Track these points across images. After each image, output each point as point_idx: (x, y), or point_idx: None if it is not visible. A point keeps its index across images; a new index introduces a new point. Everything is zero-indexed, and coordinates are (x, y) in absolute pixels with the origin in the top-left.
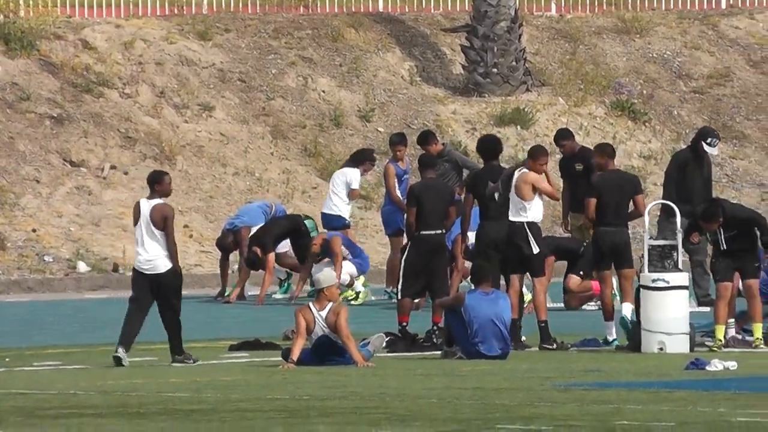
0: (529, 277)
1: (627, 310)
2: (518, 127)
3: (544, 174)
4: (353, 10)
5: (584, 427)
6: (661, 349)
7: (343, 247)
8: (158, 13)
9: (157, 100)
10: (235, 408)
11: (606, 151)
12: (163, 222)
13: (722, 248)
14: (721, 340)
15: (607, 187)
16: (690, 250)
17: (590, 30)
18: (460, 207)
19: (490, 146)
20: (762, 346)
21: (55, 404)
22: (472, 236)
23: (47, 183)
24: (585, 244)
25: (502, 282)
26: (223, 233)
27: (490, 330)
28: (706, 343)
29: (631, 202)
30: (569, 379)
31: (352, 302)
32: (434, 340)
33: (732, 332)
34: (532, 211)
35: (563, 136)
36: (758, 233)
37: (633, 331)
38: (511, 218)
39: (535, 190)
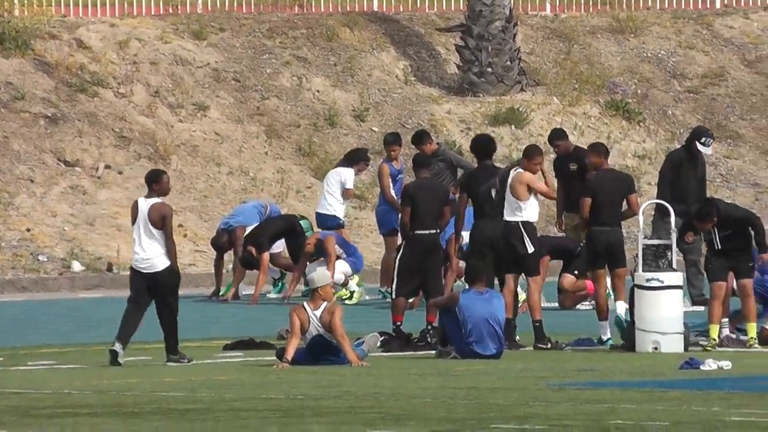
0: (524, 277)
1: (621, 308)
2: (513, 126)
3: (541, 173)
4: (348, 9)
5: (578, 426)
6: (655, 348)
7: (337, 247)
8: (153, 13)
9: (152, 100)
10: (229, 407)
11: (600, 150)
12: (161, 221)
13: (716, 248)
14: (715, 340)
15: (602, 187)
16: (684, 250)
17: (585, 29)
18: (454, 206)
19: (484, 146)
20: (756, 345)
21: (49, 403)
22: (466, 236)
23: (42, 182)
24: (582, 243)
25: (495, 282)
26: (218, 233)
27: (484, 329)
28: (701, 342)
29: (625, 202)
30: (563, 379)
31: (347, 302)
32: (428, 339)
33: (726, 332)
34: (527, 210)
35: (557, 136)
36: (752, 233)
37: (627, 331)
38: (506, 218)
39: (531, 190)
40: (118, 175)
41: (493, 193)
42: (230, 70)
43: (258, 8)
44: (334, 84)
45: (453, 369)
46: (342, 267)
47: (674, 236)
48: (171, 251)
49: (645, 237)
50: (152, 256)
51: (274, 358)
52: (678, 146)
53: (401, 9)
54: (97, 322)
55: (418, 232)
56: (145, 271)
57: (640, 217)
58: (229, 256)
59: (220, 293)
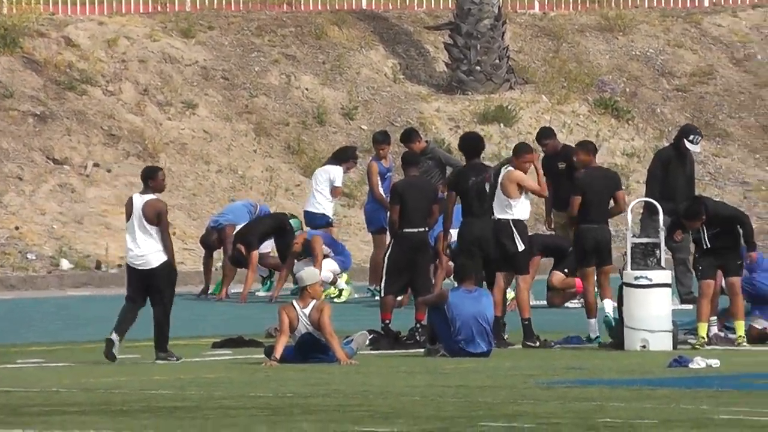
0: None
1: (608, 307)
2: (501, 124)
3: (534, 170)
4: (336, 7)
5: (567, 424)
6: (644, 346)
7: (324, 246)
8: (141, 11)
9: (141, 98)
10: (218, 405)
11: (589, 148)
12: (156, 218)
13: (705, 246)
14: (703, 338)
15: (591, 185)
16: (673, 248)
17: (573, 28)
18: (443, 205)
19: (472, 144)
20: (744, 343)
21: (38, 402)
22: (454, 234)
23: (30, 180)
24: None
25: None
26: (207, 231)
27: (473, 328)
28: (689, 340)
29: (612, 199)
30: (552, 377)
31: (336, 300)
32: (417, 337)
33: (715, 330)
34: (517, 208)
35: (545, 135)
36: (741, 231)
37: (616, 329)
38: (497, 215)
39: (521, 188)
40: (107, 173)
41: (487, 187)
42: (219, 68)
43: (246, 6)
44: (323, 82)
45: (442, 367)
46: (330, 265)
47: (663, 234)
48: (168, 247)
49: (633, 235)
50: (147, 252)
51: (263, 356)
52: (667, 144)
53: (390, 7)
54: (85, 320)
55: (407, 230)
56: (139, 268)
57: (629, 216)
58: (218, 255)
59: (209, 291)
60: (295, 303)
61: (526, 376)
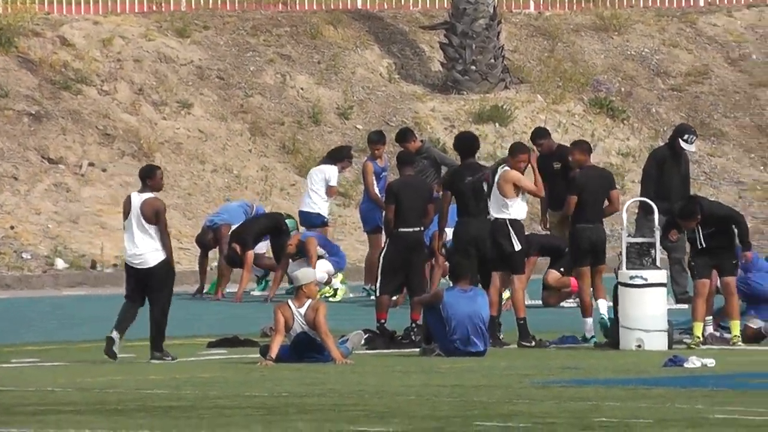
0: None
1: (603, 307)
2: (497, 124)
3: (531, 169)
4: (332, 7)
5: (562, 424)
6: (639, 346)
7: (319, 247)
8: (137, 10)
9: (136, 97)
10: (213, 405)
11: (584, 147)
12: (154, 216)
13: (700, 246)
14: (699, 338)
15: (587, 184)
16: (668, 248)
17: (569, 27)
18: (438, 204)
19: (467, 143)
20: (739, 343)
21: (33, 401)
22: (449, 233)
23: (25, 180)
24: None
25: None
26: (203, 230)
27: (468, 327)
28: (684, 340)
29: (606, 199)
30: (548, 377)
31: (331, 299)
32: (413, 337)
33: (710, 329)
34: (514, 208)
35: (540, 135)
36: (736, 231)
37: (611, 329)
38: (493, 215)
39: (518, 188)
40: (102, 172)
41: (485, 186)
42: (214, 68)
43: (242, 6)
44: (318, 82)
45: (437, 367)
46: (325, 266)
47: (658, 234)
48: (166, 246)
49: (629, 235)
50: (144, 251)
51: (258, 355)
52: (662, 144)
53: (385, 6)
54: (80, 319)
55: (402, 229)
56: (137, 267)
57: (624, 215)
58: (213, 254)
59: (205, 291)
60: (290, 302)
61: (521, 375)
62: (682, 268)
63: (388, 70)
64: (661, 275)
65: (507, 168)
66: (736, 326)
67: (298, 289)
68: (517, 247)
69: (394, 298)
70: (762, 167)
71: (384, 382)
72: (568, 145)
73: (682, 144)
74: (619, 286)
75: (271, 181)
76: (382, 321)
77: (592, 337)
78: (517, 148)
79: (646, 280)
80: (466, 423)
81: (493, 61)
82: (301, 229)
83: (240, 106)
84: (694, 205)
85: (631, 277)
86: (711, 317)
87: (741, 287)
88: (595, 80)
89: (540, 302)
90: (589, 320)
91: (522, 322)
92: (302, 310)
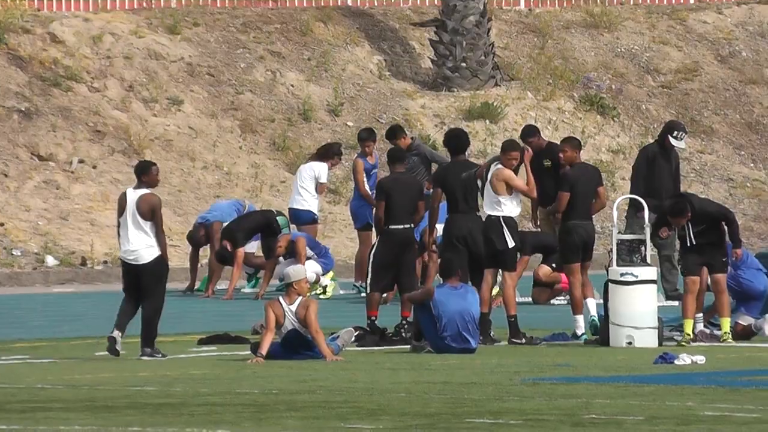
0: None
1: (592, 306)
2: (487, 121)
3: (524, 169)
4: (322, 4)
5: (553, 421)
6: (629, 343)
7: (307, 248)
8: (127, 7)
9: (126, 94)
10: (204, 402)
11: (575, 144)
12: (150, 213)
13: (690, 243)
14: (689, 335)
15: (578, 181)
16: (658, 245)
17: (559, 24)
18: (429, 201)
19: (457, 140)
20: (729, 340)
21: (22, 398)
22: (440, 229)
23: (15, 177)
24: None
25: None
26: (194, 227)
27: (458, 324)
28: (675, 337)
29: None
30: (538, 374)
31: (321, 296)
32: (403, 334)
33: (700, 326)
34: (507, 205)
35: (529, 133)
36: (726, 228)
37: (601, 326)
38: (487, 212)
39: (510, 187)
40: (92, 169)
41: (479, 183)
42: (204, 65)
43: (232, 3)
44: (309, 79)
45: (427, 364)
46: (313, 267)
47: (648, 231)
48: (161, 242)
49: (619, 232)
50: (139, 247)
51: (249, 352)
52: (652, 141)
53: (375, 3)
54: (70, 316)
55: (393, 226)
56: (132, 263)
57: (614, 212)
58: (204, 251)
59: (195, 288)
60: (281, 299)
61: (512, 372)
62: (672, 265)
63: (379, 67)
64: (651, 272)
65: (500, 166)
66: (726, 323)
67: (289, 286)
68: (510, 244)
69: (385, 295)
70: (752, 164)
71: (374, 379)
72: (558, 143)
73: (672, 140)
74: (610, 283)
75: (262, 178)
76: (373, 318)
77: (583, 334)
78: (508, 146)
79: (636, 277)
80: (457, 420)
81: (483, 58)
82: (292, 226)
83: (230, 103)
84: (684, 202)
85: (622, 274)
86: (701, 314)
87: (731, 284)
88: (585, 77)
89: (530, 299)
90: (580, 317)
91: (513, 319)
92: (293, 307)
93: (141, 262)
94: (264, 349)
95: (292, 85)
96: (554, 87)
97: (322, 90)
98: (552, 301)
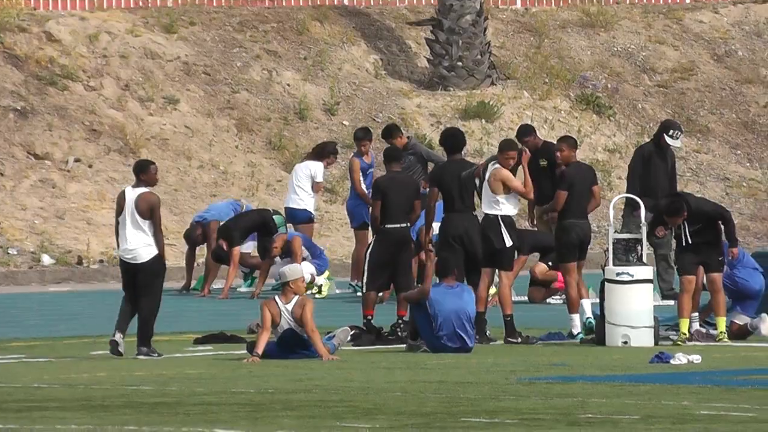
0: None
1: (588, 308)
2: (483, 120)
3: (522, 171)
4: (318, 3)
5: (549, 420)
6: (625, 342)
7: (303, 248)
8: (123, 6)
9: (122, 93)
10: (199, 401)
11: (572, 143)
12: (149, 211)
13: (686, 242)
14: (685, 334)
15: (576, 180)
16: (654, 244)
17: (555, 24)
18: (425, 201)
19: (453, 139)
20: (725, 339)
21: (18, 397)
22: (436, 227)
23: (11, 176)
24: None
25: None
26: (191, 226)
27: (454, 323)
28: (671, 336)
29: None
30: (534, 373)
31: (317, 296)
32: (399, 333)
33: (696, 326)
34: (505, 204)
35: (525, 132)
36: (722, 227)
37: (597, 325)
38: (485, 211)
39: (507, 187)
40: (88, 168)
41: (477, 182)
42: (200, 64)
43: (228, 2)
44: (305, 78)
45: (423, 363)
46: (307, 268)
47: (644, 230)
48: (159, 241)
49: (615, 231)
50: (137, 246)
51: (245, 352)
52: (648, 140)
53: (371, 2)
54: (66, 315)
55: (389, 225)
56: (130, 262)
57: (611, 212)
58: (200, 250)
59: (191, 287)
60: (277, 299)
61: (507, 372)
62: (669, 264)
63: (375, 66)
64: (647, 271)
65: (498, 166)
66: (722, 323)
67: (285, 285)
68: (509, 243)
69: (381, 294)
70: (748, 164)
71: (370, 378)
72: (554, 142)
73: (667, 139)
74: (606, 283)
75: (258, 177)
76: (369, 317)
77: (579, 333)
78: (506, 145)
79: (632, 276)
80: (453, 419)
81: (479, 57)
82: (288, 225)
83: (226, 102)
84: (680, 202)
85: (618, 274)
86: (697, 313)
87: (727, 283)
88: (581, 76)
89: (526, 298)
90: (576, 316)
91: (509, 318)
92: (289, 307)
93: (139, 261)
94: (260, 349)
95: (289, 84)
96: (550, 86)
97: (318, 89)
98: (548, 300)
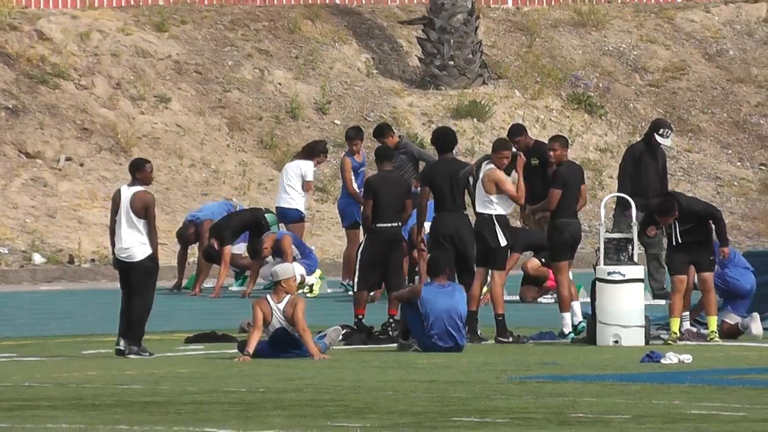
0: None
1: (577, 310)
2: (475, 119)
3: (515, 173)
4: (310, 1)
5: (540, 419)
6: (616, 341)
7: (293, 247)
8: (114, 5)
9: (113, 92)
10: (191, 400)
11: (564, 142)
12: (144, 210)
13: (675, 242)
14: (676, 333)
15: (569, 179)
16: (646, 243)
17: (547, 23)
18: (416, 200)
19: (445, 138)
20: (716, 339)
21: (9, 396)
22: (427, 227)
23: (2, 174)
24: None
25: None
26: (184, 225)
27: (445, 323)
28: (662, 336)
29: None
30: (525, 372)
31: (308, 295)
32: (390, 332)
33: (687, 325)
34: (499, 203)
35: (516, 132)
36: (713, 226)
37: (588, 324)
38: (479, 210)
39: (500, 189)
40: (80, 167)
41: (471, 180)
42: (192, 63)
43: (219, 0)
44: (296, 77)
45: (414, 362)
46: (297, 269)
47: (635, 230)
48: (153, 241)
49: (606, 230)
50: (131, 245)
51: (236, 351)
52: (639, 140)
53: (363, 1)
54: (58, 314)
55: (380, 225)
56: (125, 261)
57: (602, 211)
58: (192, 249)
59: (183, 286)
60: (269, 298)
61: (499, 371)
62: (660, 263)
63: (366, 65)
64: (638, 271)
65: (492, 166)
66: (713, 322)
67: (277, 284)
68: (503, 242)
69: (372, 293)
70: (739, 163)
71: (361, 377)
72: (545, 141)
73: (658, 138)
74: (597, 282)
75: (249, 176)
76: (360, 316)
77: (570, 332)
78: (500, 145)
79: (623, 275)
80: (443, 418)
81: (471, 56)
82: (280, 225)
83: (218, 100)
84: (671, 201)
85: (609, 273)
86: (688, 313)
87: (718, 283)
88: (573, 76)
89: (517, 297)
90: (567, 315)
91: (500, 318)
92: (281, 306)
93: (133, 260)
94: (251, 348)
95: (280, 83)
96: (542, 85)
97: (309, 88)
98: (539, 300)
